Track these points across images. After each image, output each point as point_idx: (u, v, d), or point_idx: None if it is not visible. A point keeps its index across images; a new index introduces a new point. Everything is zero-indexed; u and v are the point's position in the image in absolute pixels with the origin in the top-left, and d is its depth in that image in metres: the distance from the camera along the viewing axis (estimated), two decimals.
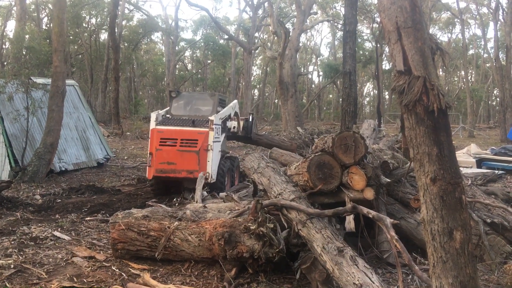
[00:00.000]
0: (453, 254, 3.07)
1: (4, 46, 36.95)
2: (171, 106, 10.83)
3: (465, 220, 3.12)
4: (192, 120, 10.12)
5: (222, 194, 8.77)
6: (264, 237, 5.00)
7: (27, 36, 27.51)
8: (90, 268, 5.74)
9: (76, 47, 40.87)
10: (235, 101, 12.39)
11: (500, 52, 32.97)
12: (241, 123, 12.18)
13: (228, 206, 6.65)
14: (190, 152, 9.74)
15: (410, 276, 5.24)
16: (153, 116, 10.26)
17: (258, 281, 5.23)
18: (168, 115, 10.56)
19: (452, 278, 3.07)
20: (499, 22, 34.97)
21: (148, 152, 10.11)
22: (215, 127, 9.89)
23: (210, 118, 9.88)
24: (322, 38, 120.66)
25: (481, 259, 5.69)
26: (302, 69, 58.00)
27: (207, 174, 9.59)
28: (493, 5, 35.75)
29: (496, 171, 13.22)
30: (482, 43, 51.50)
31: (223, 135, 10.83)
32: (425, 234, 3.25)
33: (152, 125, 10.11)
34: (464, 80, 47.78)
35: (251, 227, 5.06)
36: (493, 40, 36.69)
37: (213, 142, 9.79)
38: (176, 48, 44.87)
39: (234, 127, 11.77)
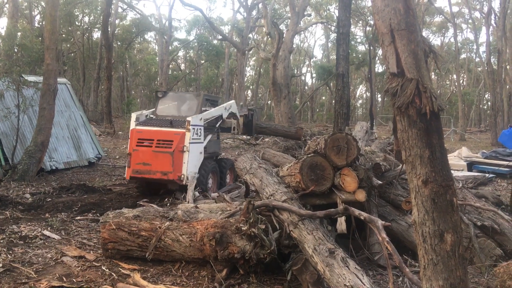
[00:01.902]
0: (443, 257, 3.08)
1: None
2: (156, 106, 10.74)
3: (456, 222, 3.14)
4: (170, 121, 9.94)
5: (214, 195, 8.75)
6: (255, 238, 4.99)
7: (19, 34, 27.26)
8: (79, 267, 5.70)
9: (68, 45, 40.62)
10: (232, 101, 12.14)
11: (492, 57, 33.17)
12: (241, 120, 11.88)
13: (219, 207, 6.64)
14: (164, 153, 9.50)
15: (401, 278, 5.26)
16: (133, 116, 10.20)
17: (249, 282, 5.22)
18: (152, 116, 10.46)
19: (442, 281, 3.08)
20: (491, 27, 35.27)
21: (128, 153, 10.01)
22: (194, 128, 9.61)
23: (188, 118, 9.63)
24: (316, 40, 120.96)
25: (471, 262, 5.72)
26: (296, 70, 58.10)
27: (182, 176, 9.34)
28: (485, 9, 36.06)
29: (487, 175, 13.31)
30: (474, 47, 51.96)
31: (209, 136, 10.52)
32: (416, 236, 3.25)
33: (132, 125, 10.04)
34: (456, 83, 48.11)
35: (243, 228, 5.05)
36: (485, 44, 37.00)
37: (190, 143, 9.50)
38: (170, 47, 44.74)
39: (234, 128, 11.57)
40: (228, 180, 11.32)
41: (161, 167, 9.48)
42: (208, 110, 10.50)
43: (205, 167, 10.04)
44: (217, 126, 11.09)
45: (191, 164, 9.58)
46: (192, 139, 9.61)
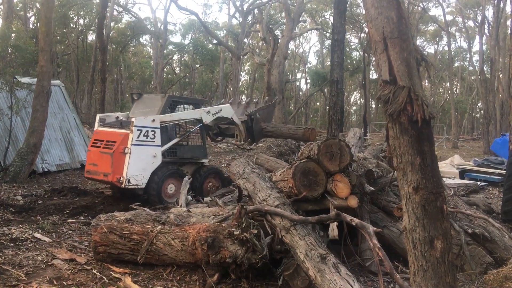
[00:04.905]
0: (433, 263, 3.11)
1: None
2: (131, 108, 10.65)
3: (446, 229, 3.16)
4: (120, 122, 9.84)
5: (206, 199, 8.71)
6: (247, 243, 4.99)
7: (13, 35, 27.12)
8: (70, 271, 5.67)
9: (63, 47, 40.46)
10: (223, 105, 11.18)
11: (484, 65, 33.46)
12: (242, 126, 11.23)
13: (212, 211, 6.63)
14: (106, 154, 9.28)
15: (392, 285, 5.27)
16: (97, 117, 10.26)
17: (241, 287, 5.22)
18: (123, 118, 10.39)
19: (432, 287, 3.10)
20: (484, 36, 35.58)
21: None
22: (141, 129, 9.19)
23: (132, 119, 9.29)
24: (311, 46, 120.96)
25: (462, 269, 5.75)
26: (290, 76, 58.22)
27: (122, 179, 8.99)
28: (479, 19, 36.43)
29: (479, 182, 13.36)
30: (468, 55, 52.44)
31: (175, 140, 10.03)
32: (406, 243, 3.28)
33: (96, 126, 10.09)
34: (449, 91, 48.42)
35: (235, 233, 5.05)
36: (478, 53, 37.34)
37: (135, 145, 9.09)
38: (165, 51, 44.65)
39: (236, 135, 11.11)
40: (215, 187, 10.67)
41: (103, 168, 9.30)
42: (170, 111, 10.13)
43: (159, 173, 9.53)
44: (193, 130, 10.42)
45: (135, 167, 9.13)
46: (137, 140, 9.17)
